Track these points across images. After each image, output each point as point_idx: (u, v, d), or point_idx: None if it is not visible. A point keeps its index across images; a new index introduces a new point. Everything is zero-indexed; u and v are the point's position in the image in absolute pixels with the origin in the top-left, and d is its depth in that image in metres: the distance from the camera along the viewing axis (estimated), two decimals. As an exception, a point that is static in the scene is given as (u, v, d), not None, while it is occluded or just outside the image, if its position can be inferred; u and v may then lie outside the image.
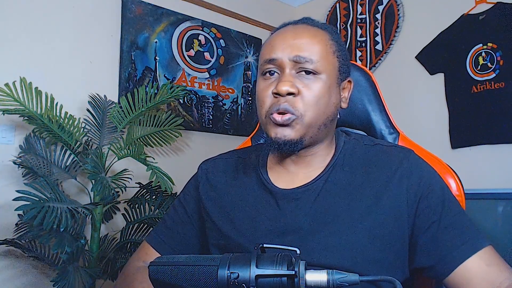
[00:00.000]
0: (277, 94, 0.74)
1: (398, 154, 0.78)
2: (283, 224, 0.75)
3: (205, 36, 2.41)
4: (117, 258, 1.73)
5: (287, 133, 0.74)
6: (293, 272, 0.57)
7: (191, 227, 0.89)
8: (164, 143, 1.97)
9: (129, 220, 1.79)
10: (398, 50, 2.42)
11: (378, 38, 2.51)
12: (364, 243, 0.71)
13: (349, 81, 0.83)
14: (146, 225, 1.80)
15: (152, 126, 1.92)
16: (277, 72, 0.76)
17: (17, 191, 1.26)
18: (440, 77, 2.21)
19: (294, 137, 0.74)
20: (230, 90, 2.51)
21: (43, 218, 1.24)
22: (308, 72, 0.75)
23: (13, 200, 1.24)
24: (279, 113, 0.73)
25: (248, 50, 2.62)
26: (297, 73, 0.75)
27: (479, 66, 2.06)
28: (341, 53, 0.80)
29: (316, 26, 0.80)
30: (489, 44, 2.03)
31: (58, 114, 1.64)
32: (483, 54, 2.05)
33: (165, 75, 2.22)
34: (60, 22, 1.89)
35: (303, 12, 2.89)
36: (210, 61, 2.42)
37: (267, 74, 0.77)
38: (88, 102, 1.84)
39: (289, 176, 0.81)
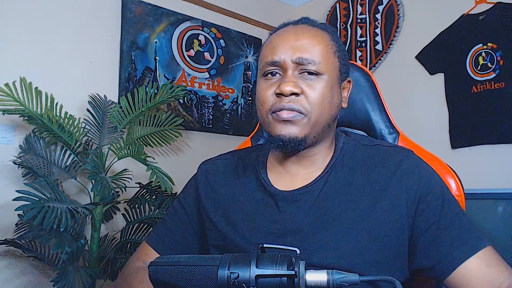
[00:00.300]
0: (280, 94, 0.74)
1: (397, 155, 0.78)
2: (283, 226, 0.75)
3: (205, 36, 2.41)
4: (117, 258, 1.73)
5: (292, 131, 0.74)
6: (293, 272, 0.57)
7: (191, 227, 0.89)
8: (164, 143, 1.97)
9: (129, 220, 1.79)
10: (398, 50, 2.42)
11: (378, 38, 2.51)
12: (364, 244, 0.71)
13: (349, 81, 0.84)
14: (146, 225, 1.80)
15: (152, 126, 1.92)
16: (278, 73, 0.76)
17: (17, 191, 1.26)
18: (440, 77, 2.21)
19: (299, 135, 0.74)
20: (230, 90, 2.51)
21: (43, 218, 1.23)
22: (310, 73, 0.75)
23: (13, 200, 1.24)
24: (285, 111, 0.73)
25: (248, 50, 2.62)
26: (299, 73, 0.75)
27: (479, 66, 2.06)
28: (341, 53, 0.80)
29: (316, 26, 0.80)
30: (489, 44, 2.03)
31: (58, 114, 1.64)
32: (483, 54, 2.05)
33: (165, 75, 2.22)
34: (60, 22, 1.89)
35: (303, 12, 2.89)
36: (210, 61, 2.42)
37: (269, 75, 0.77)
38: (88, 102, 1.84)
39: (288, 177, 0.81)
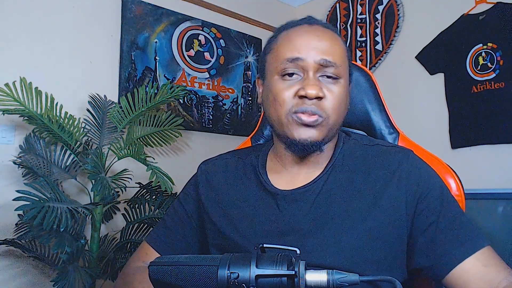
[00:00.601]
0: (303, 97, 0.73)
1: (397, 155, 0.79)
2: (282, 225, 0.75)
3: (205, 36, 2.41)
4: (117, 258, 1.73)
5: (312, 134, 0.74)
6: (293, 272, 0.57)
7: (191, 227, 0.89)
8: (164, 143, 1.97)
9: (129, 220, 1.79)
10: (398, 50, 2.42)
11: (378, 38, 2.51)
12: (364, 244, 0.71)
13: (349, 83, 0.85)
14: (146, 225, 1.80)
15: (152, 126, 1.92)
16: (296, 74, 0.75)
17: (17, 191, 1.26)
18: (440, 77, 2.21)
19: (318, 138, 0.75)
20: (230, 90, 2.51)
21: (43, 218, 1.23)
22: (328, 76, 0.75)
23: (13, 200, 1.24)
24: (307, 114, 0.73)
25: (248, 50, 2.62)
26: (319, 76, 0.75)
27: (479, 66, 2.06)
28: (350, 56, 0.82)
29: (330, 29, 0.80)
30: (489, 44, 2.03)
31: (58, 114, 1.64)
32: (483, 54, 2.05)
33: (165, 75, 2.22)
34: (60, 22, 1.89)
35: (303, 12, 2.89)
36: (210, 61, 2.42)
37: (286, 76, 0.76)
38: (88, 102, 1.84)
39: (289, 177, 0.81)
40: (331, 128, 0.76)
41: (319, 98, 0.73)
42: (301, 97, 0.73)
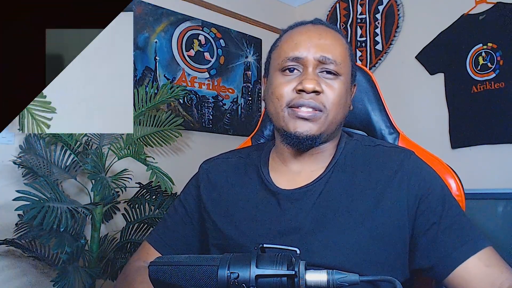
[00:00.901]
0: (301, 91, 0.74)
1: (399, 155, 0.79)
2: (284, 224, 0.75)
3: (205, 36, 2.41)
4: (117, 258, 1.73)
5: (309, 128, 0.75)
6: (293, 272, 0.57)
7: (192, 227, 0.89)
8: (164, 143, 1.97)
9: (129, 220, 1.78)
10: (398, 50, 2.42)
11: (378, 38, 2.51)
12: (365, 244, 0.71)
13: (354, 85, 0.85)
14: (146, 225, 1.80)
15: (152, 126, 1.92)
16: (297, 69, 0.77)
17: (17, 191, 1.26)
18: (440, 77, 2.21)
19: (316, 133, 0.75)
20: (230, 90, 2.51)
21: (43, 218, 1.24)
22: (329, 72, 0.76)
23: (13, 200, 1.24)
24: (304, 108, 0.74)
25: (248, 50, 2.62)
26: (319, 72, 0.76)
27: (479, 66, 2.06)
28: (352, 57, 0.82)
29: (332, 28, 0.82)
30: (489, 44, 2.03)
31: (58, 114, 1.64)
32: (483, 54, 2.05)
33: (165, 75, 2.22)
34: (60, 22, 1.89)
35: (303, 12, 2.89)
36: (210, 61, 2.42)
37: (287, 71, 0.77)
38: (88, 102, 1.84)
39: (291, 176, 0.81)
40: (330, 124, 0.76)
41: (317, 92, 0.74)
42: (299, 91, 0.74)
